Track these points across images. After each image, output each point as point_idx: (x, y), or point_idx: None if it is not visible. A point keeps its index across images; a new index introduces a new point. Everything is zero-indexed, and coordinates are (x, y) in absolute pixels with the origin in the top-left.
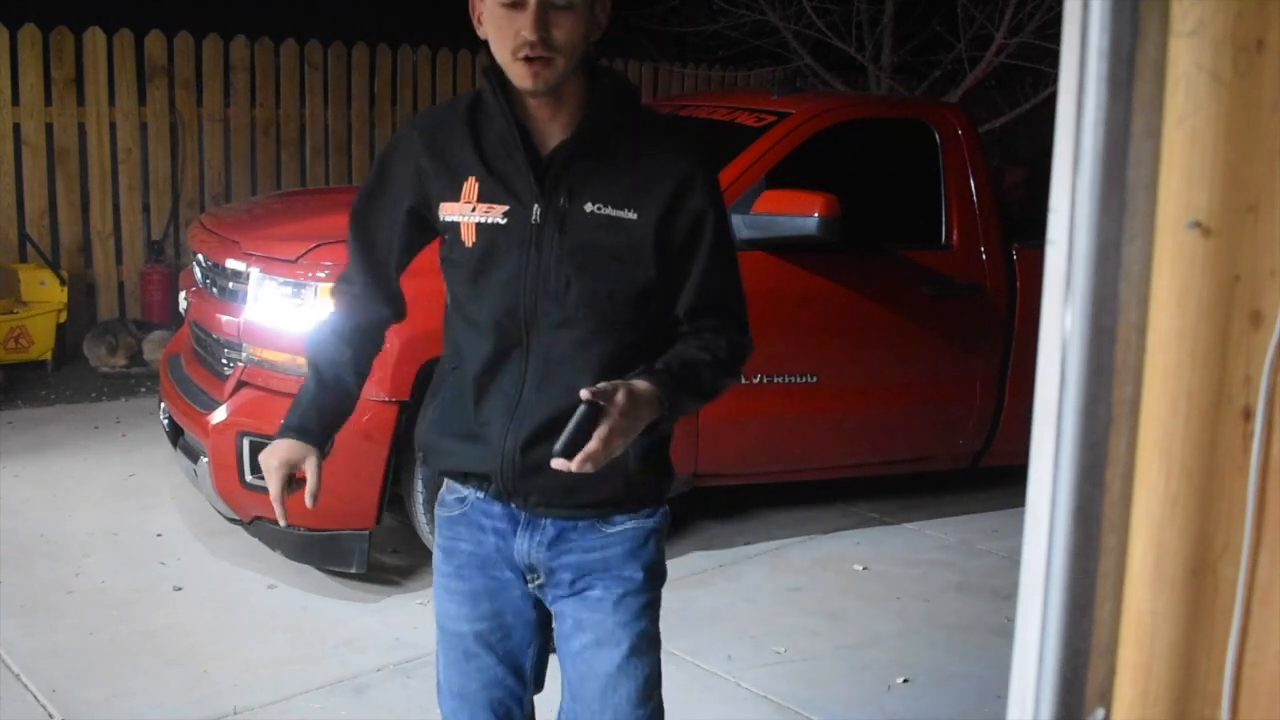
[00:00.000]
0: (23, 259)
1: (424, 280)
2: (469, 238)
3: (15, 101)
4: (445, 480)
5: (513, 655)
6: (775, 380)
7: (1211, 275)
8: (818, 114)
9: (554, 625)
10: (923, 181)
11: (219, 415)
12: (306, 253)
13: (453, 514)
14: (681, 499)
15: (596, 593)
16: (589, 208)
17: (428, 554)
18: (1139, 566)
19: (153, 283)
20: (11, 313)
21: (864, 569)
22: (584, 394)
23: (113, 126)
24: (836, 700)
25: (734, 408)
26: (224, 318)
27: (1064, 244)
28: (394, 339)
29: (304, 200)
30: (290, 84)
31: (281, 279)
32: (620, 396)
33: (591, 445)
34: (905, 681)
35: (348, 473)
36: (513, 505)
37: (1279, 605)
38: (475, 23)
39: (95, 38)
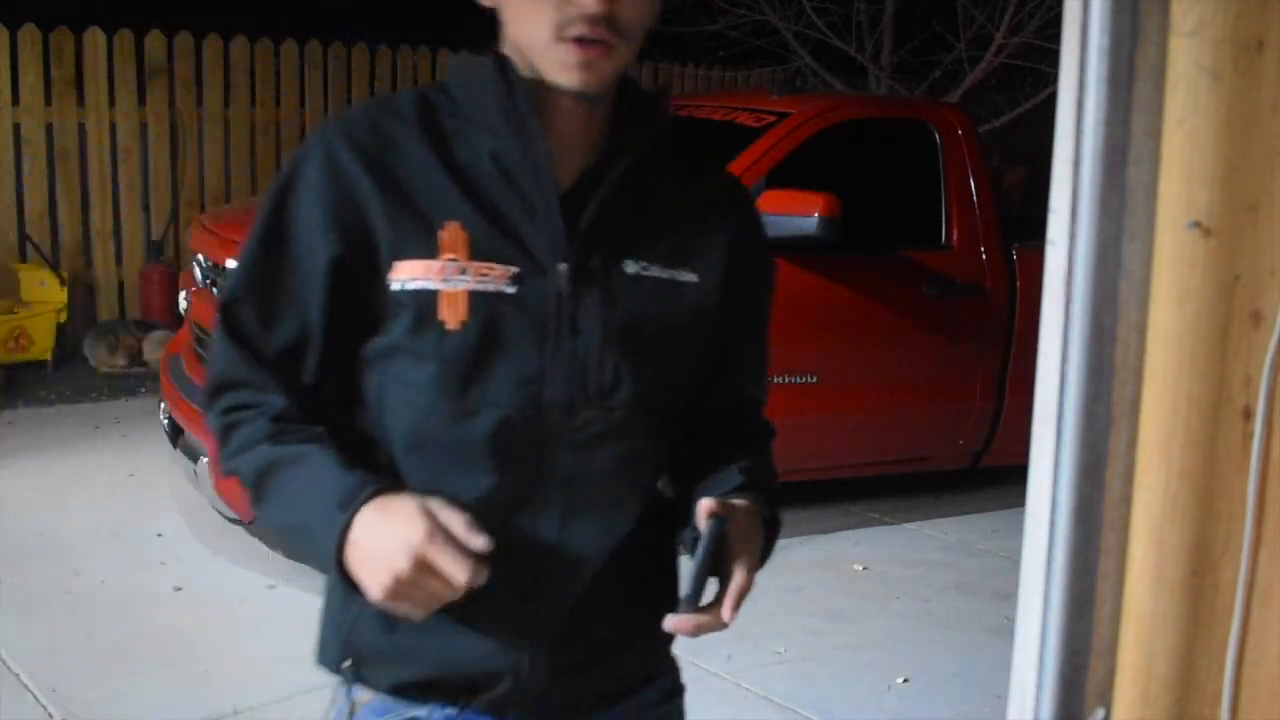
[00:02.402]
0: (23, 259)
1: None
2: (454, 315)
3: (15, 101)
4: (364, 700)
5: None
6: (775, 380)
7: (1211, 275)
8: (818, 114)
9: None
10: (923, 182)
11: None
12: None
13: None
14: None
15: None
16: (632, 268)
17: None
18: (1139, 566)
19: (153, 283)
20: (11, 313)
21: (864, 569)
22: (706, 506)
23: (113, 126)
24: (836, 700)
25: None
26: None
27: (1064, 244)
28: None
29: None
30: (290, 84)
31: None
32: (739, 514)
33: (739, 578)
34: (905, 681)
35: None
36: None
37: (1279, 605)
38: None
39: (95, 38)
